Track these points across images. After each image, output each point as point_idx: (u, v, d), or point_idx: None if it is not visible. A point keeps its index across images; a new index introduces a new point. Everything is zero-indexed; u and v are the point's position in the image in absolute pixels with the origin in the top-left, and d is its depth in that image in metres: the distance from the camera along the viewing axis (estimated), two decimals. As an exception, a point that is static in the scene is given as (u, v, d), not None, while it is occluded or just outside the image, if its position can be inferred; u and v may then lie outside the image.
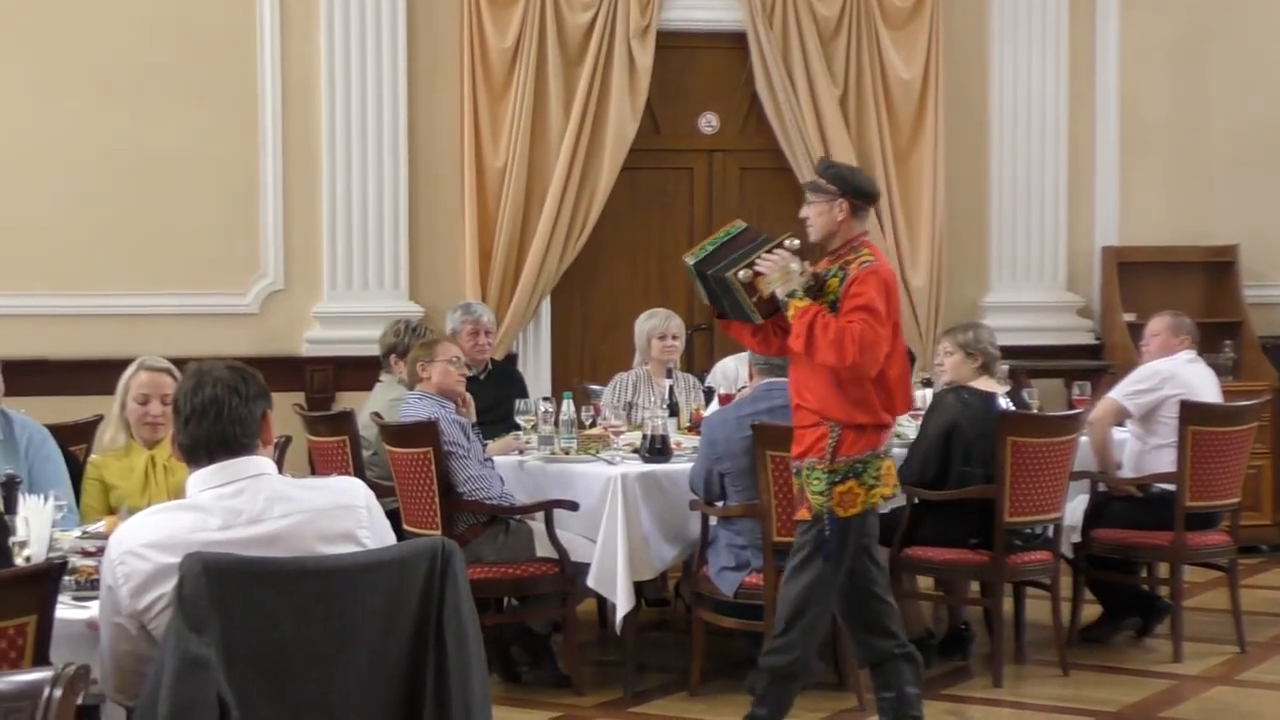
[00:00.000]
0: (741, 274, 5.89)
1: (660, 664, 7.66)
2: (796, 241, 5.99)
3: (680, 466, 7.10)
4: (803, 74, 10.61)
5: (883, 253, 6.21)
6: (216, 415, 3.79)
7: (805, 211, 6.10)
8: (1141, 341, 8.52)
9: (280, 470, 3.95)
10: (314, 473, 7.87)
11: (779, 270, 5.87)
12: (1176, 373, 8.05)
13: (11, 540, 4.33)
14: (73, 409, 7.53)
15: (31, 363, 9.30)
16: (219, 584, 3.44)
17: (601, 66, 10.34)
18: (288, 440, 6.67)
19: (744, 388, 7.66)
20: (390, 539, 3.90)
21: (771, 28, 10.58)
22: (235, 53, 10.04)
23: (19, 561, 4.33)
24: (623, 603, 6.92)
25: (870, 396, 5.92)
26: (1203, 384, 8.12)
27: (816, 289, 5.92)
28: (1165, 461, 7.87)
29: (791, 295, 5.86)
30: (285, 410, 7.99)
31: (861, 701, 6.88)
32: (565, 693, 7.16)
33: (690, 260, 6.05)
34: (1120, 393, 8.10)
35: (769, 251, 5.92)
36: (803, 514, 5.98)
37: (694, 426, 7.88)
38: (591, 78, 10.30)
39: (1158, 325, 8.32)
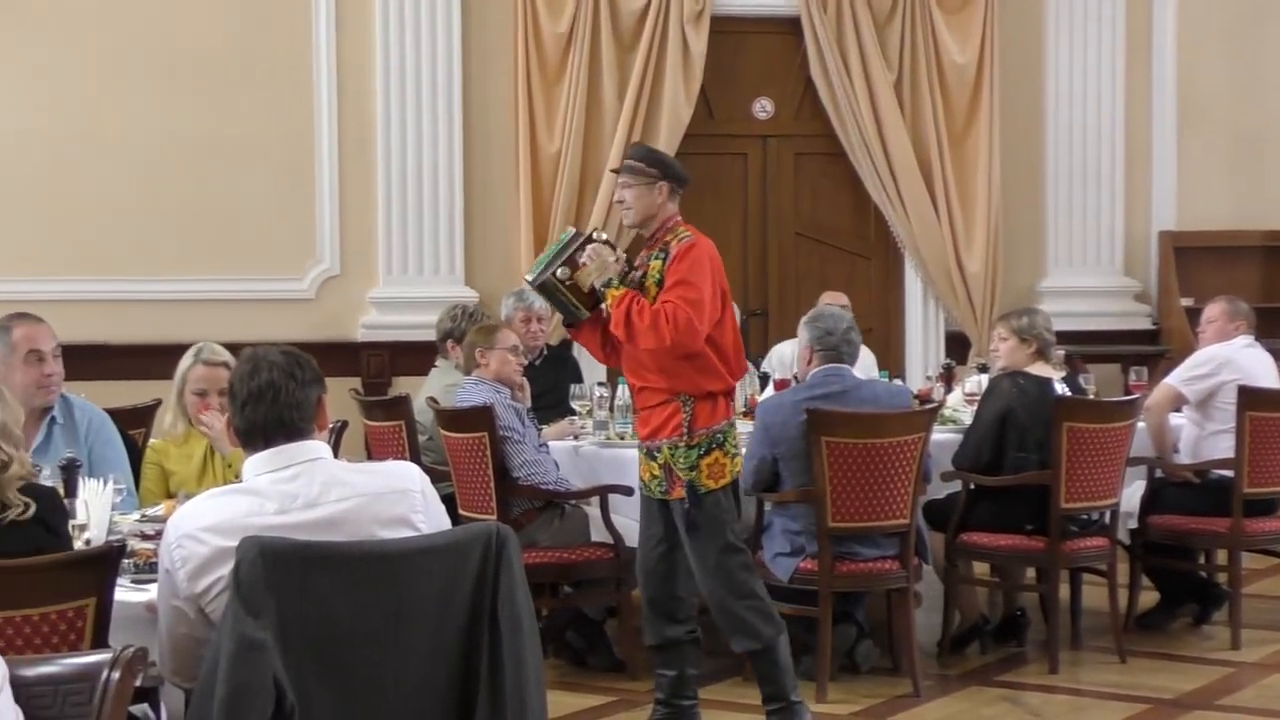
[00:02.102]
0: (559, 272, 5.92)
1: (715, 649, 7.63)
2: (604, 234, 6.11)
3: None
4: (857, 59, 10.59)
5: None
6: (273, 399, 3.80)
7: (622, 195, 6.06)
8: (1198, 327, 8.46)
9: (336, 455, 3.97)
10: (370, 457, 7.88)
11: (596, 262, 5.92)
12: (1233, 358, 7.99)
13: (71, 523, 4.35)
14: (131, 393, 7.57)
15: (90, 347, 9.36)
16: (275, 568, 3.45)
17: (655, 51, 10.34)
18: (344, 425, 6.69)
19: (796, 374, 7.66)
20: (445, 524, 3.91)
21: (826, 12, 10.56)
22: (291, 38, 10.08)
23: (78, 544, 4.36)
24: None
25: (715, 363, 5.96)
26: (1260, 369, 8.05)
27: (636, 276, 5.96)
28: (1222, 447, 7.81)
29: (608, 285, 5.90)
30: (341, 395, 8.02)
31: (918, 687, 6.85)
32: (620, 677, 7.16)
33: (529, 278, 6.10)
34: (1177, 378, 8.04)
35: (582, 247, 5.97)
36: (679, 492, 5.97)
37: (749, 412, 7.86)
38: (645, 63, 10.30)
39: (1214, 310, 8.26)
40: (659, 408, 5.98)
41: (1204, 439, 7.99)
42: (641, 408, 6.08)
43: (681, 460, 5.94)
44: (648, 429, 6.03)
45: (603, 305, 5.95)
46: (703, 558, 6.03)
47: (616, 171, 6.16)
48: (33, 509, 3.95)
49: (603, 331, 6.08)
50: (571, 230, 6.18)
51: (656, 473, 6.01)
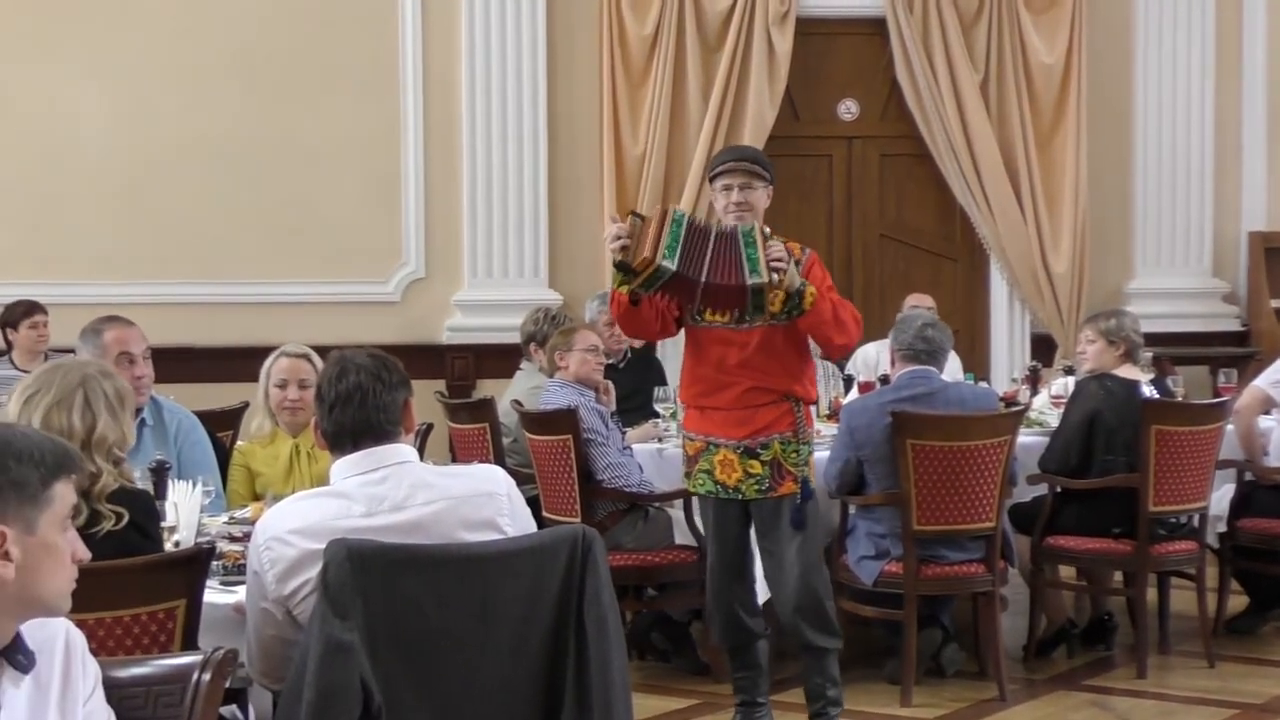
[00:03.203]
0: (774, 276, 5.63)
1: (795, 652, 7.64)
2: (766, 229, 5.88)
3: (819, 453, 7.07)
4: (943, 59, 10.55)
5: None
6: (360, 402, 3.83)
7: (746, 196, 5.94)
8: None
9: (421, 457, 3.99)
10: (455, 460, 7.92)
11: (790, 264, 5.75)
12: None
13: (161, 525, 4.40)
14: (218, 396, 7.64)
15: (178, 350, 9.45)
16: (363, 570, 3.48)
17: (740, 53, 10.34)
18: (429, 427, 6.72)
19: (885, 375, 7.65)
20: (531, 526, 3.92)
21: (911, 13, 10.53)
22: (377, 41, 10.16)
23: (168, 546, 4.40)
24: (762, 590, 6.90)
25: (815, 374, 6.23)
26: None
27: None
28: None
29: (804, 284, 5.80)
30: (426, 398, 8.05)
31: (1004, 692, 6.81)
32: (705, 680, 7.15)
33: (671, 265, 5.59)
34: (1266, 381, 7.96)
35: (761, 246, 5.70)
36: (789, 486, 5.96)
37: (834, 414, 7.85)
38: (730, 64, 10.30)
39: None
40: (766, 407, 5.96)
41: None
42: (740, 407, 5.97)
43: (795, 456, 5.96)
44: (750, 427, 5.96)
45: (800, 304, 5.78)
46: (807, 555, 6.02)
47: (714, 178, 6.05)
48: (126, 518, 3.99)
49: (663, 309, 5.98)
50: (680, 211, 5.84)
51: (757, 470, 5.97)
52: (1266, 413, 8.01)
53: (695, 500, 7.02)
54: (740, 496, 6.03)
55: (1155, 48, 10.99)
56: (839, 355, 6.09)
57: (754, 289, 5.63)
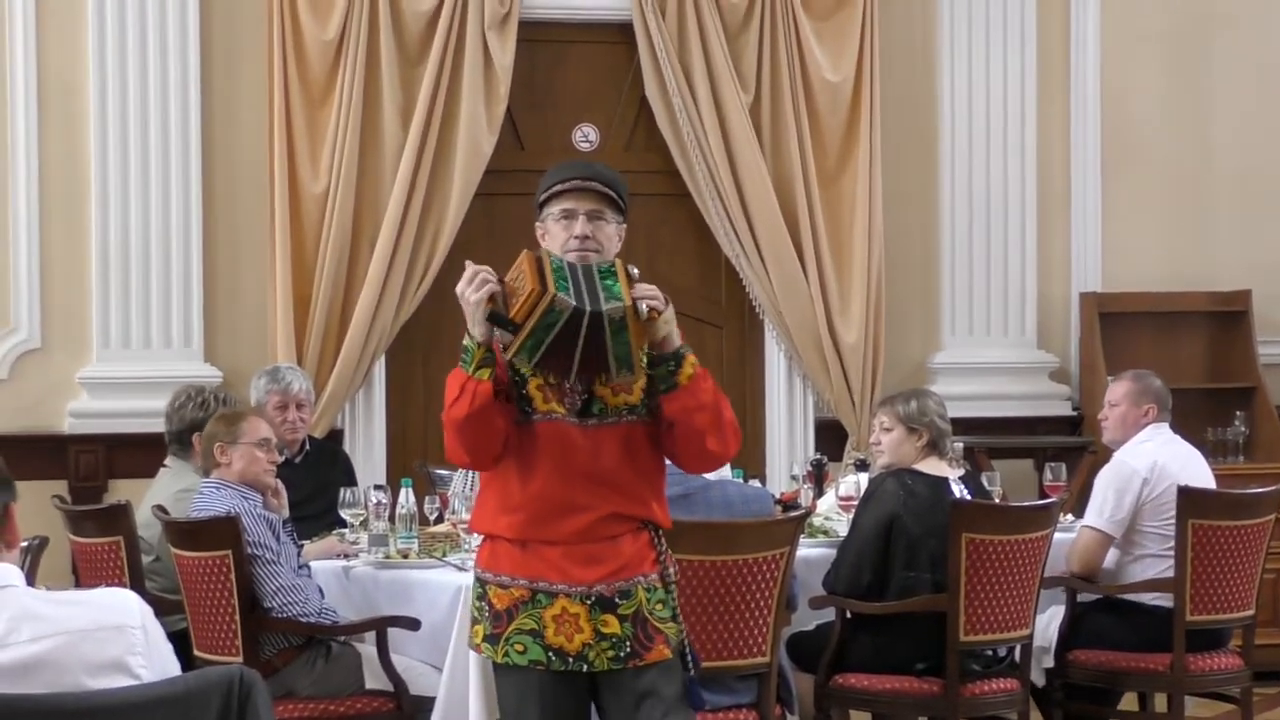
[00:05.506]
0: (642, 306, 5.27)
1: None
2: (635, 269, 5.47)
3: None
4: (704, 76, 10.63)
5: None
6: (-59, 513, 3.76)
7: (594, 230, 5.59)
8: (1100, 413, 8.48)
9: (31, 581, 3.92)
10: (79, 583, 7.80)
11: (668, 310, 5.39)
12: (1158, 463, 8.01)
13: None
14: None
15: None
16: (-52, 729, 3.41)
17: (449, 65, 10.32)
18: (43, 542, 6.61)
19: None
20: (174, 668, 3.87)
21: (665, 17, 10.59)
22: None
23: None
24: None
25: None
26: (1186, 465, 8.12)
27: None
28: (1151, 571, 7.90)
29: (685, 348, 5.49)
30: (41, 503, 7.92)
31: None
32: None
33: (570, 299, 5.14)
34: (1101, 518, 8.01)
35: (628, 284, 5.35)
36: (661, 651, 5.39)
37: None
38: (436, 80, 10.28)
39: (1118, 391, 8.25)
40: (625, 538, 5.42)
41: (1127, 564, 8.05)
42: (591, 540, 5.37)
43: (661, 608, 5.43)
44: (605, 568, 5.36)
45: (674, 374, 5.43)
46: None
47: (547, 201, 5.71)
48: None
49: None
50: (559, 257, 5.41)
51: (615, 629, 5.36)
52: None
53: (391, 634, 6.99)
54: (586, 668, 5.35)
55: (965, 66, 11.14)
56: (701, 470, 5.65)
57: (612, 320, 5.16)
